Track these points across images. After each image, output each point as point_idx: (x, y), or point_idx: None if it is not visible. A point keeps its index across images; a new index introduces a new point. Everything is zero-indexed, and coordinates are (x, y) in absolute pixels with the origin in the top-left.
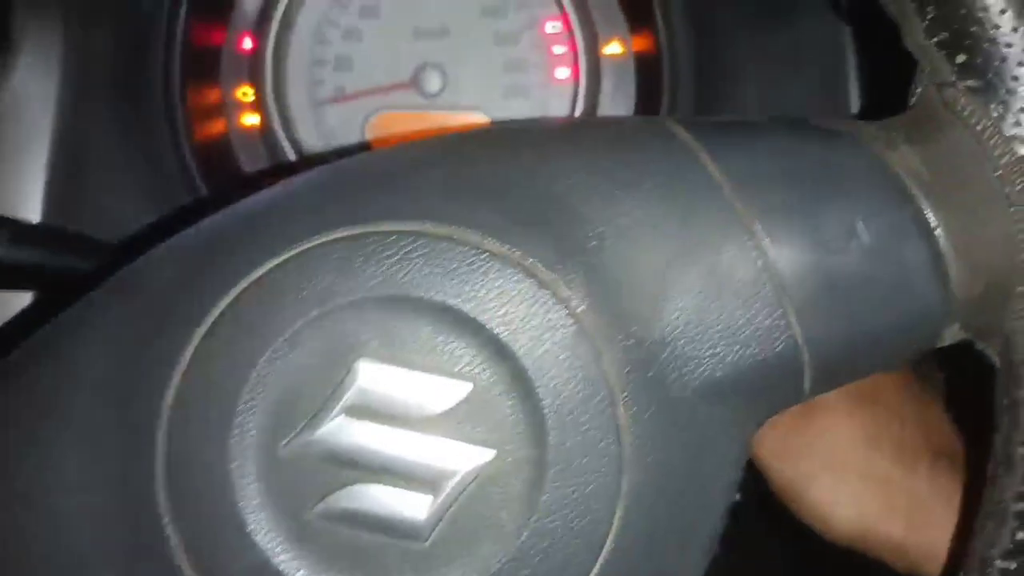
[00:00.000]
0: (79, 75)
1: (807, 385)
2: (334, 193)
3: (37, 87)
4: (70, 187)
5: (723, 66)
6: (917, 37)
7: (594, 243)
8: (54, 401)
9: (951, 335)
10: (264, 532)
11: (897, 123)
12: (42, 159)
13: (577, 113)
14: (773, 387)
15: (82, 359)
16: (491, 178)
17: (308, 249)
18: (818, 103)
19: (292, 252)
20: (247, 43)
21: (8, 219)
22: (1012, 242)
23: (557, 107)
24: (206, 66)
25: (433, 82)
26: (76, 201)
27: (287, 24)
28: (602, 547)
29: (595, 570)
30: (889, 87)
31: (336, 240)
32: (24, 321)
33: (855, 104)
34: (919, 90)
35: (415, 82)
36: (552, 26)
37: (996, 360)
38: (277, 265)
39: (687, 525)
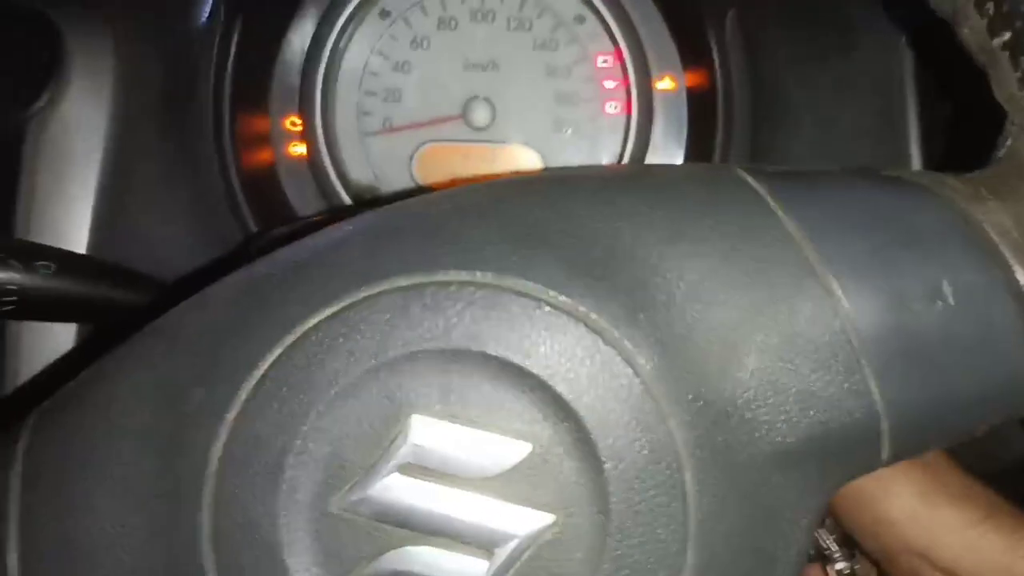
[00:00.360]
0: (128, 103)
1: (885, 452)
2: (388, 240)
3: (86, 115)
4: (117, 214)
5: (777, 101)
6: (1009, 87)
7: (662, 299)
8: (96, 449)
9: None
10: None
11: (983, 177)
12: (90, 186)
13: (628, 149)
14: (849, 454)
15: (126, 406)
16: (552, 228)
17: (363, 299)
18: (873, 139)
19: (346, 302)
20: (297, 75)
21: (55, 249)
22: None
23: (607, 142)
24: (255, 95)
25: (482, 115)
26: (122, 229)
27: (337, 54)
28: None
29: None
30: (961, 131)
31: (392, 290)
32: (68, 357)
33: (913, 143)
34: (1008, 143)
35: (464, 115)
36: (604, 60)
37: None
38: (331, 315)
39: None
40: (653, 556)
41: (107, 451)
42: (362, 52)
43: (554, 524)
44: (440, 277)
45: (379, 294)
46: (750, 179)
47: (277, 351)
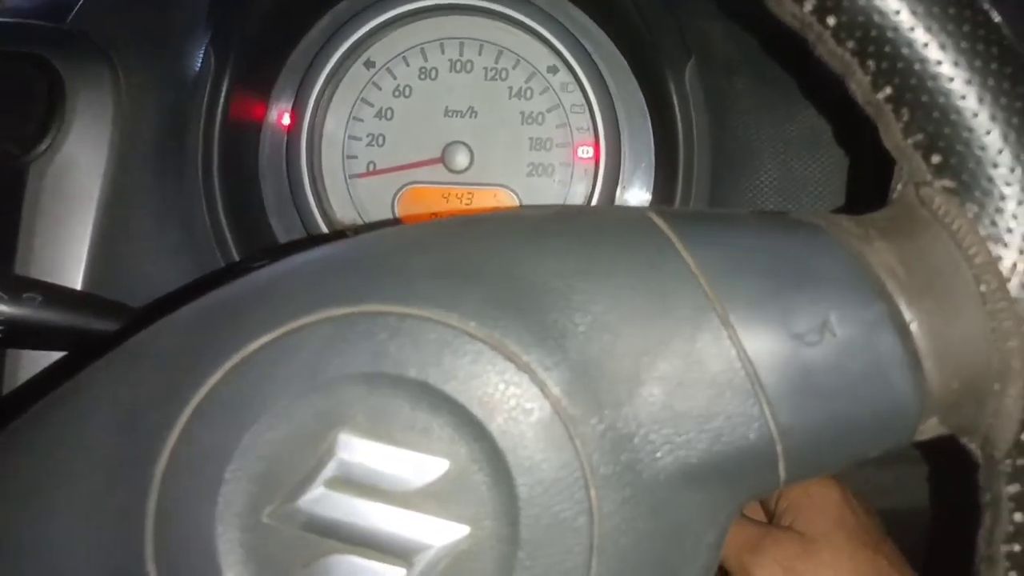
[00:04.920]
0: (124, 147)
1: (782, 473)
2: (326, 274)
3: (85, 158)
4: (112, 252)
5: (741, 149)
6: (895, 138)
7: (571, 328)
8: (52, 463)
9: (930, 429)
10: None
11: (875, 219)
12: (87, 225)
13: (597, 190)
14: (748, 474)
15: (82, 425)
16: (473, 264)
17: (298, 327)
18: (835, 187)
19: (283, 329)
20: (286, 119)
21: (42, 282)
22: (987, 340)
23: (578, 184)
24: (244, 140)
25: (461, 159)
26: (117, 265)
27: (324, 101)
28: None
29: None
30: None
31: (324, 320)
32: (46, 381)
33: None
34: (898, 187)
35: (443, 158)
36: (574, 107)
37: (978, 455)
38: (269, 341)
39: None
40: (560, 567)
41: (62, 467)
42: (348, 99)
43: (469, 535)
44: (368, 308)
45: (313, 323)
46: (659, 220)
47: (219, 374)
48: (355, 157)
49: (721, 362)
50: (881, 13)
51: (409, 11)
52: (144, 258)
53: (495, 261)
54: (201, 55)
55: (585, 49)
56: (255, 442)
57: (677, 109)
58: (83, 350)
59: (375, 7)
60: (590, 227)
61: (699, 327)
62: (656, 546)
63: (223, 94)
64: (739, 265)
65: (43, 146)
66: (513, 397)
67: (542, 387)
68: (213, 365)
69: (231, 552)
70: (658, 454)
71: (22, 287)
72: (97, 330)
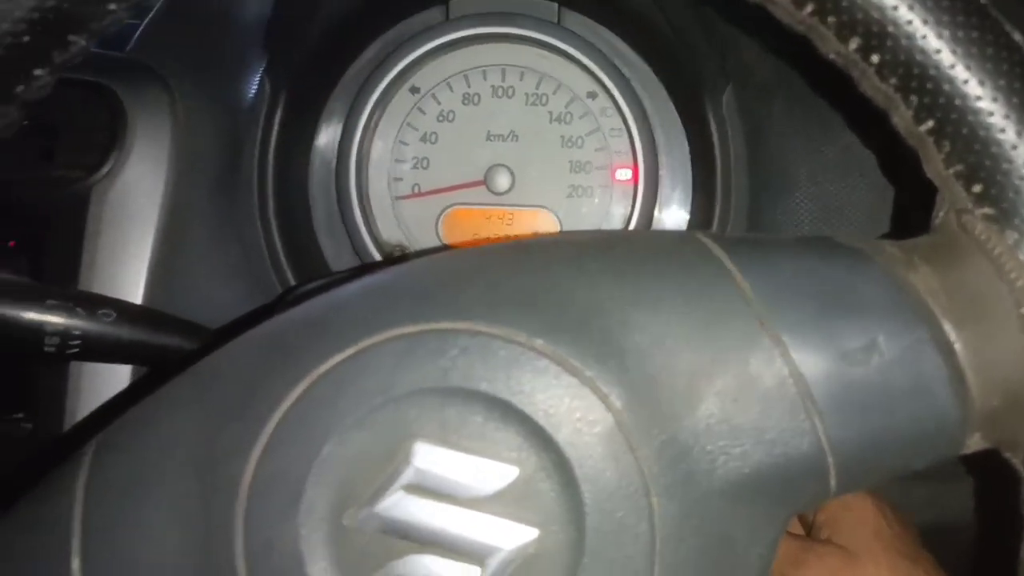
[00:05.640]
0: (182, 170)
1: (833, 484)
2: (396, 294)
3: (145, 181)
4: (170, 271)
5: (778, 172)
6: (937, 168)
7: (630, 347)
8: (145, 476)
9: (974, 443)
10: None
11: (918, 245)
12: (147, 245)
13: (636, 212)
14: (800, 486)
15: (170, 439)
16: (536, 290)
17: (373, 344)
18: (870, 210)
19: (359, 346)
20: (334, 145)
21: (115, 299)
22: None
23: (618, 206)
24: (296, 163)
25: (502, 181)
26: (175, 283)
27: (371, 127)
28: None
29: None
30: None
31: (398, 336)
32: (123, 394)
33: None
34: (940, 214)
35: (486, 181)
36: (613, 131)
37: (1020, 469)
38: (346, 358)
39: None
40: (623, 571)
41: (155, 478)
42: (394, 124)
43: (538, 539)
44: (439, 326)
45: (388, 339)
46: (711, 244)
47: (297, 392)
48: (400, 179)
49: (773, 379)
50: (923, 52)
51: (453, 40)
52: (201, 278)
53: (557, 285)
54: (256, 82)
55: (623, 75)
56: (335, 453)
57: (715, 133)
58: (160, 366)
59: (421, 36)
60: (642, 252)
61: (752, 347)
62: (712, 554)
63: (277, 119)
64: (788, 289)
65: (104, 170)
66: (578, 410)
67: (604, 400)
68: (292, 382)
69: (315, 555)
70: (715, 465)
71: (97, 304)
72: (163, 346)
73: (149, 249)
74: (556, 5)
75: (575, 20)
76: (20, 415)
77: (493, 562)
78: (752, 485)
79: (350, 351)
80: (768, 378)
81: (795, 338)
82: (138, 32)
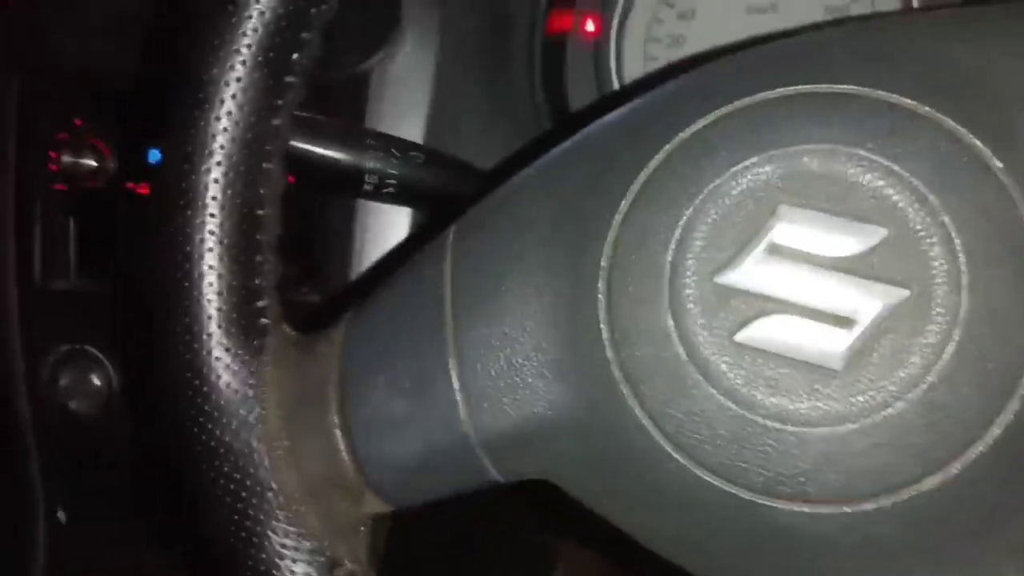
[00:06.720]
0: (454, 51)
1: None
2: (765, 59)
3: (419, 59)
4: (443, 142)
5: None
6: None
7: (1013, 111)
8: (511, 244)
9: None
10: (696, 347)
11: None
12: (421, 127)
13: None
14: None
15: (531, 216)
16: (917, 52)
17: (747, 106)
18: None
19: (728, 109)
20: (590, 26)
21: (419, 144)
22: None
23: None
24: (557, 45)
25: None
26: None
27: (627, 8)
28: (1015, 387)
29: (1009, 408)
30: None
31: (774, 99)
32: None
33: None
34: None
35: None
36: None
37: None
38: (712, 121)
39: None
40: (1003, 331)
41: (516, 252)
42: (649, 5)
43: (909, 298)
44: (819, 88)
45: (763, 101)
46: None
47: (670, 146)
48: (655, 59)
49: None
50: None
51: None
52: (473, 158)
53: (940, 52)
54: None
55: None
56: (702, 209)
57: None
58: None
59: None
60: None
61: None
62: None
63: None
64: None
65: (381, 54)
66: (955, 167)
67: (985, 158)
68: (660, 142)
69: (681, 311)
70: None
71: (407, 147)
72: (460, 192)
73: (423, 131)
74: None
75: None
76: (306, 290)
77: (861, 324)
78: None
79: (717, 113)
80: None
81: None
82: None
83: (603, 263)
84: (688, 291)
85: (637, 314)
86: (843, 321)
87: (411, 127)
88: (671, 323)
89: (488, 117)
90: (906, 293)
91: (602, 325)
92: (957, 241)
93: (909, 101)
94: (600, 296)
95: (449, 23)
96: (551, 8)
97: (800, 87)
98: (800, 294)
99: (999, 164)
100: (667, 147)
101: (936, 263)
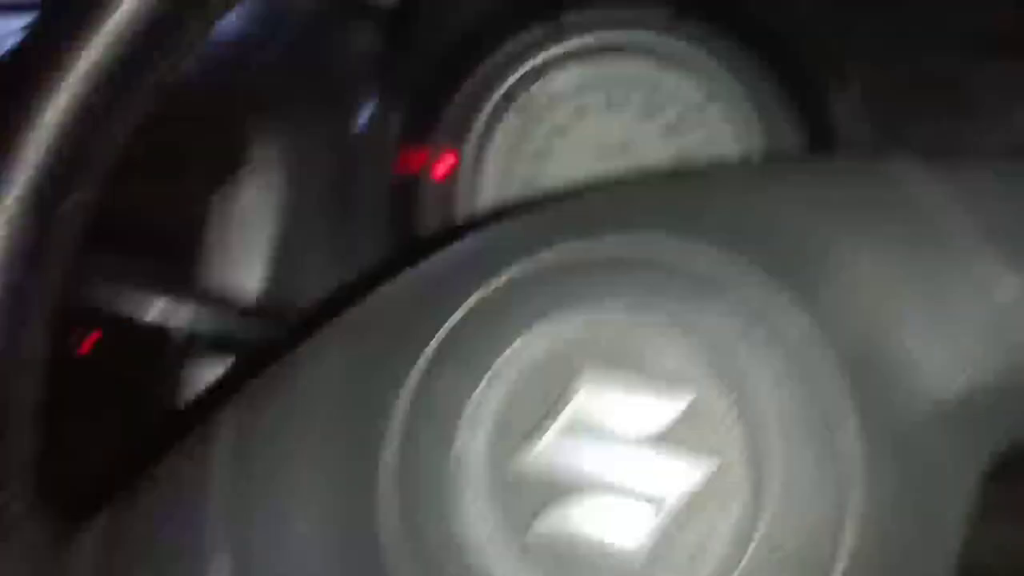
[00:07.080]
0: (297, 194)
1: None
2: (552, 220)
3: (263, 199)
4: (287, 284)
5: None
6: None
7: (818, 269)
8: (291, 422)
9: None
10: (484, 544)
11: None
12: (261, 260)
13: None
14: (1008, 412)
15: (316, 389)
16: (716, 219)
17: (525, 273)
18: None
19: (508, 275)
20: (444, 168)
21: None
22: None
23: None
24: (407, 188)
25: None
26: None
27: (481, 147)
28: (831, 568)
29: None
30: None
31: (552, 263)
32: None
33: None
34: None
35: None
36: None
37: None
38: (495, 289)
39: (917, 551)
40: (813, 505)
41: (302, 430)
42: (504, 144)
43: (718, 471)
44: (609, 253)
45: (540, 267)
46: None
47: (446, 330)
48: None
49: (978, 309)
50: None
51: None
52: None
53: (733, 213)
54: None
55: (740, 81)
56: (490, 387)
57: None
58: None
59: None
60: (832, 176)
61: (955, 270)
62: (911, 489)
63: (390, 146)
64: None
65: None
66: (759, 332)
67: (791, 321)
68: (442, 318)
69: (469, 496)
70: (914, 390)
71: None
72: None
73: (263, 264)
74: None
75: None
76: None
77: (668, 502)
78: (955, 413)
79: (500, 281)
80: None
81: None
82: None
83: (386, 451)
84: (476, 476)
85: (422, 503)
86: (651, 502)
87: (248, 264)
88: (461, 512)
89: (335, 258)
90: (715, 463)
91: (381, 520)
92: (762, 409)
93: (708, 259)
94: (379, 499)
95: (292, 167)
96: (400, 147)
97: (593, 247)
98: (602, 475)
99: (803, 328)
100: (454, 317)
101: (741, 432)
